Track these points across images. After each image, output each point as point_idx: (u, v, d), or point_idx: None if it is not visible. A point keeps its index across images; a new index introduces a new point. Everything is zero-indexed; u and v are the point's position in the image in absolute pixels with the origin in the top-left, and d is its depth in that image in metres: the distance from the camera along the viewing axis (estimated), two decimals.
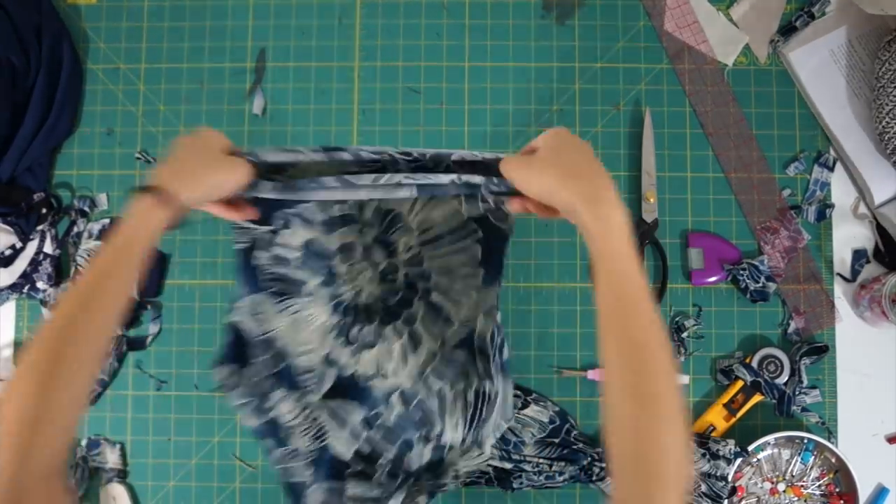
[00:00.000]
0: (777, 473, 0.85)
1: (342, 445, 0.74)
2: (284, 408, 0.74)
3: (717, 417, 0.85)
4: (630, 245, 0.59)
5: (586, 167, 0.62)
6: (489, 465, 0.82)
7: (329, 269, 0.74)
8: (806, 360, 0.85)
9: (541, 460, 0.82)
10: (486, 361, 0.74)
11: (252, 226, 0.73)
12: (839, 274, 0.88)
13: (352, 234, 0.73)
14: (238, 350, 0.74)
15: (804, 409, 0.86)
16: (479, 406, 0.74)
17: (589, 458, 0.82)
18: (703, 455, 0.79)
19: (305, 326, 0.74)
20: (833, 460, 0.84)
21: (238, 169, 0.66)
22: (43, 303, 0.87)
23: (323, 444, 0.74)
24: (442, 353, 0.74)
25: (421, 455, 0.75)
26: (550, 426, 0.84)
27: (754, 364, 0.85)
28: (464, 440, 0.75)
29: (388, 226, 0.73)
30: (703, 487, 0.79)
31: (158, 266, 0.89)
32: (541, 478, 0.82)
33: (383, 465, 0.74)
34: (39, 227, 0.89)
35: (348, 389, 0.74)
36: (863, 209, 0.89)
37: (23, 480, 0.53)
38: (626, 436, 0.55)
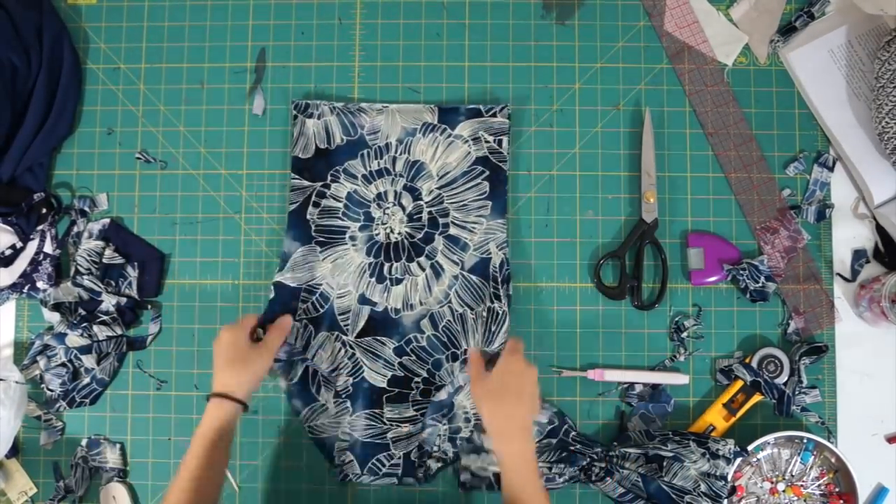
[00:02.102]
0: (777, 473, 0.85)
1: (378, 376, 0.86)
2: (323, 354, 0.86)
3: (717, 417, 0.85)
4: (527, 472, 0.73)
5: (514, 397, 0.75)
6: (491, 469, 0.83)
7: (367, 214, 0.88)
8: (806, 360, 0.85)
9: (540, 462, 0.82)
10: (497, 286, 0.86)
11: (309, 183, 0.88)
12: (839, 274, 0.88)
13: (386, 184, 0.87)
14: (284, 307, 0.86)
15: (804, 409, 0.86)
16: (490, 322, 0.85)
17: (588, 459, 0.82)
18: (703, 455, 0.80)
19: (344, 270, 0.87)
20: (833, 460, 0.84)
21: (268, 356, 0.81)
22: (43, 302, 0.87)
23: (359, 377, 0.86)
24: (461, 278, 0.86)
25: (451, 371, 0.85)
26: (549, 427, 0.84)
27: (754, 364, 0.85)
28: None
29: (415, 174, 0.88)
30: (703, 487, 0.79)
31: (158, 266, 0.89)
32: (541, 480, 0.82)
33: (417, 384, 0.86)
34: (39, 227, 0.89)
35: (380, 324, 0.86)
36: (863, 209, 0.89)
37: None
38: None
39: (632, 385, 0.86)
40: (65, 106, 0.89)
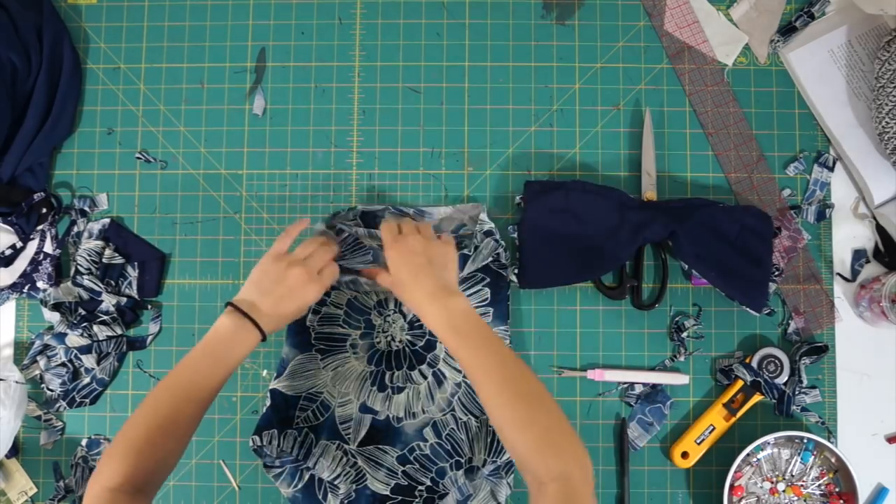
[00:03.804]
0: (777, 473, 0.85)
1: (380, 484, 0.83)
2: (324, 462, 0.82)
3: (717, 417, 0.85)
4: (452, 324, 0.72)
5: (408, 275, 0.75)
6: None
7: (368, 322, 0.87)
8: (806, 360, 0.85)
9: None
10: None
11: None
12: (839, 274, 0.88)
13: (386, 291, 0.86)
14: (280, 414, 0.84)
15: (804, 409, 0.86)
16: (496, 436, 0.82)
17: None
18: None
19: (345, 378, 0.85)
20: (833, 460, 0.84)
21: (319, 287, 0.78)
22: (43, 302, 0.87)
23: (362, 485, 0.83)
24: (463, 385, 0.85)
25: (454, 480, 0.82)
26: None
27: (754, 364, 0.85)
28: (486, 463, 0.83)
29: None
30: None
31: (158, 266, 0.89)
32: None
33: (421, 492, 0.82)
34: (39, 227, 0.89)
35: (382, 433, 0.84)
36: (863, 209, 0.89)
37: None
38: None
39: (632, 385, 0.86)
40: (65, 106, 0.89)
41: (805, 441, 0.84)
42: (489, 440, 0.83)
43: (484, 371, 0.69)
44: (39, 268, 0.88)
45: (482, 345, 0.71)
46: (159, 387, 0.71)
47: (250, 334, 0.74)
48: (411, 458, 0.83)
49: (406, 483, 0.83)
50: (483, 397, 0.69)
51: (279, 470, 0.83)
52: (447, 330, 0.72)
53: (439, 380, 0.85)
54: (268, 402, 0.84)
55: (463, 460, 0.83)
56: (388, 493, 0.82)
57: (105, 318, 0.87)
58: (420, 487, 0.83)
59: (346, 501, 0.82)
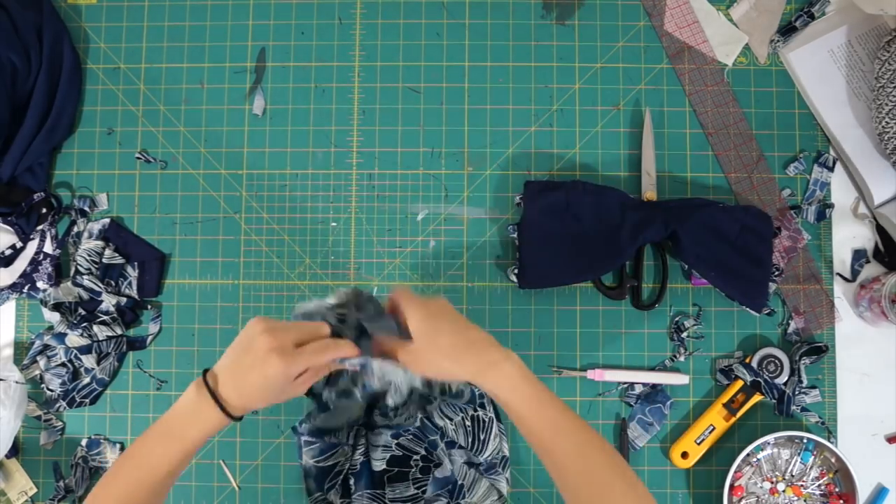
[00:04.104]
0: (777, 473, 0.85)
1: (378, 462, 0.82)
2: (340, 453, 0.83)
3: (717, 417, 0.85)
4: (530, 388, 0.64)
5: (457, 345, 0.66)
6: None
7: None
8: (806, 360, 0.85)
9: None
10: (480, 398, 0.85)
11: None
12: (839, 274, 0.88)
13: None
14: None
15: (804, 409, 0.86)
16: (477, 430, 0.82)
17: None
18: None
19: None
20: (833, 460, 0.84)
21: (301, 388, 0.68)
22: (43, 302, 0.87)
23: (364, 459, 0.82)
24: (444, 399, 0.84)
25: (447, 453, 0.82)
26: None
27: (754, 364, 0.85)
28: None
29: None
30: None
31: (158, 266, 0.89)
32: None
33: (416, 461, 0.82)
34: (39, 227, 0.89)
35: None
36: (863, 209, 0.89)
37: None
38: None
39: (632, 385, 0.86)
40: (65, 106, 0.89)
41: (805, 441, 0.84)
42: (471, 439, 0.82)
43: (560, 431, 0.63)
44: (39, 268, 0.88)
45: (553, 404, 0.64)
46: (116, 464, 0.65)
47: (211, 413, 0.63)
48: (402, 432, 0.82)
49: (401, 454, 0.82)
50: (558, 461, 0.63)
51: (315, 442, 0.82)
52: (525, 392, 0.63)
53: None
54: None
55: (450, 440, 0.83)
56: (384, 465, 0.82)
57: (105, 318, 0.87)
58: (415, 457, 0.82)
59: (350, 474, 0.82)
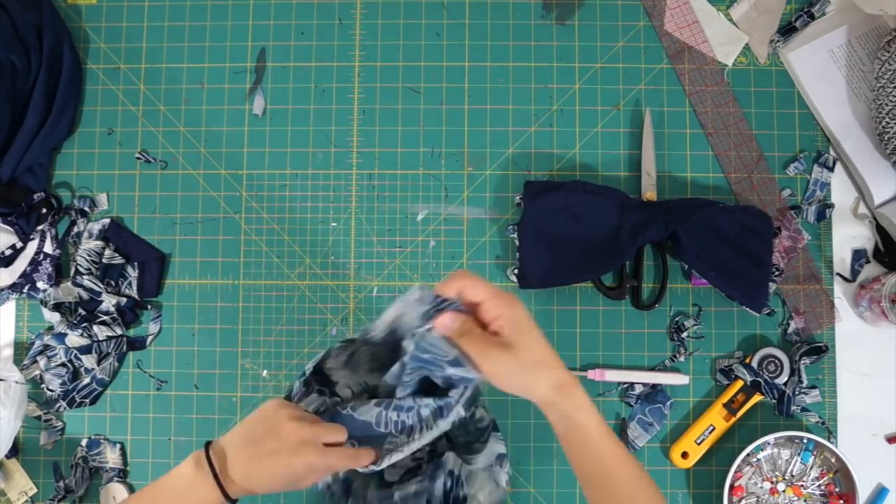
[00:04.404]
0: (777, 473, 0.85)
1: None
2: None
3: (717, 417, 0.85)
4: (603, 422, 0.60)
5: (552, 356, 0.61)
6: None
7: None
8: (806, 360, 0.85)
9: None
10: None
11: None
12: (839, 274, 0.88)
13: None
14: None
15: (804, 409, 0.86)
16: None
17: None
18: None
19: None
20: (833, 460, 0.84)
21: (313, 480, 0.61)
22: (43, 303, 0.87)
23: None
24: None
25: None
26: None
27: (754, 364, 0.85)
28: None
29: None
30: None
31: (158, 266, 0.89)
32: None
33: (420, 457, 0.74)
34: (39, 227, 0.89)
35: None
36: (863, 209, 0.89)
37: None
38: None
39: (632, 385, 0.86)
40: (65, 106, 0.89)
41: (805, 441, 0.84)
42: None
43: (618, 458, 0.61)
44: (39, 268, 0.88)
45: (612, 431, 0.62)
46: None
47: (208, 493, 0.58)
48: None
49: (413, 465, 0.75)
50: (613, 488, 0.61)
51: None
52: (598, 416, 0.60)
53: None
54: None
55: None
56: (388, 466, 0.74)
57: (105, 318, 0.87)
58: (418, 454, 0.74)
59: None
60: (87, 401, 0.87)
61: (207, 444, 0.60)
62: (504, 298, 0.60)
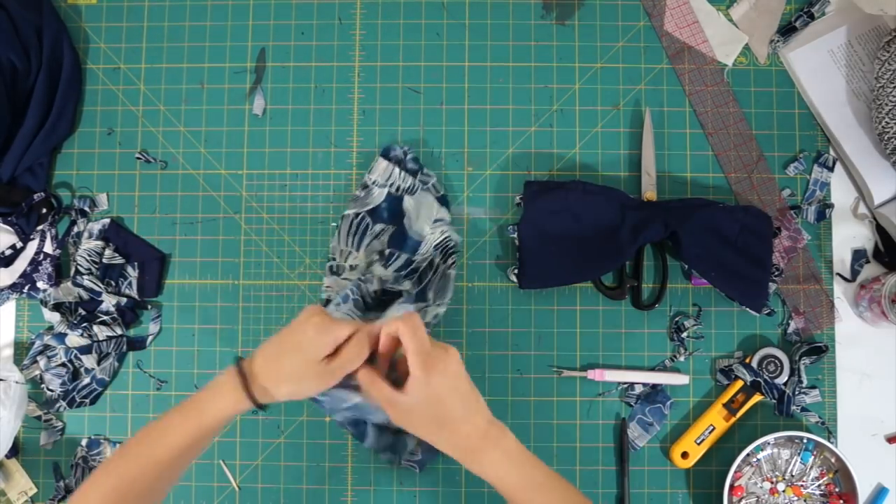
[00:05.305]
0: (777, 473, 0.85)
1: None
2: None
3: (717, 417, 0.85)
4: (522, 467, 0.61)
5: (458, 413, 0.62)
6: None
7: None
8: (806, 360, 0.85)
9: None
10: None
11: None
12: (839, 274, 0.88)
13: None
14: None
15: (804, 409, 0.86)
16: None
17: None
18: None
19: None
20: (833, 460, 0.84)
21: (332, 380, 0.65)
22: (43, 303, 0.87)
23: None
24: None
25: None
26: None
27: (754, 364, 0.85)
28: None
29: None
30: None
31: (158, 266, 0.89)
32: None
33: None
34: (39, 227, 0.89)
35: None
36: (862, 209, 0.89)
37: None
38: None
39: (632, 385, 0.86)
40: (65, 106, 0.89)
41: (805, 441, 0.84)
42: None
43: None
44: (39, 268, 0.88)
45: (549, 485, 0.62)
46: (134, 438, 0.65)
47: (233, 394, 0.64)
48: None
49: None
50: None
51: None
52: (520, 482, 0.61)
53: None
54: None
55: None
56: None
57: (105, 318, 0.87)
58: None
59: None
60: (87, 401, 0.87)
61: (238, 360, 0.66)
62: (418, 355, 0.61)
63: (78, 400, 0.87)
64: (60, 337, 0.86)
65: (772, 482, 0.84)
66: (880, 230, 0.88)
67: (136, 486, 0.62)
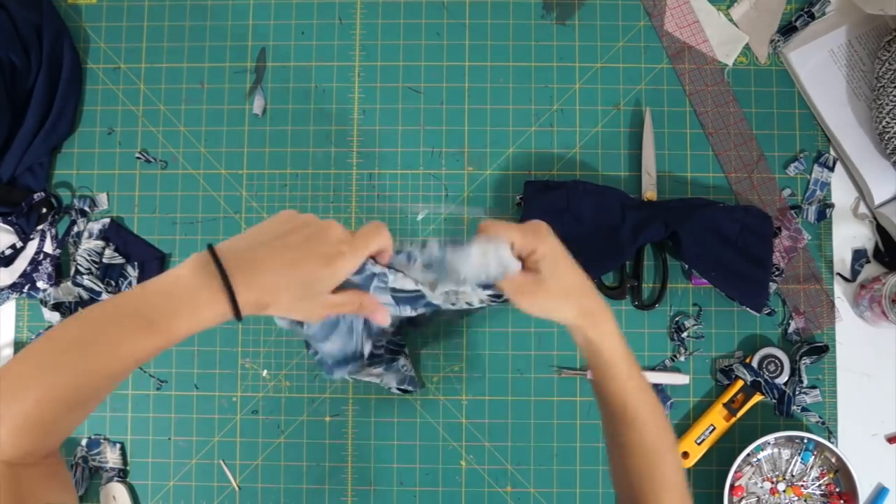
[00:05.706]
0: (777, 473, 0.85)
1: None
2: None
3: (717, 417, 0.85)
4: (627, 351, 0.64)
5: (581, 285, 0.64)
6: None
7: None
8: (806, 360, 0.85)
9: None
10: None
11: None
12: (839, 274, 0.88)
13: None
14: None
15: (804, 409, 0.86)
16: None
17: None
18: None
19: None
20: (833, 460, 0.84)
21: (332, 307, 0.56)
22: (43, 302, 0.87)
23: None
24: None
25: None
26: None
27: (754, 364, 0.85)
28: None
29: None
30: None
31: (158, 266, 0.89)
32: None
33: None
34: (39, 227, 0.89)
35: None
36: (863, 209, 0.89)
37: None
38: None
39: None
40: (65, 106, 0.89)
41: (805, 441, 0.84)
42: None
43: (647, 398, 0.64)
44: (39, 268, 0.88)
45: (635, 361, 0.65)
46: (59, 341, 0.49)
47: (214, 302, 0.49)
48: None
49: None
50: (630, 415, 0.63)
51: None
52: (627, 353, 0.64)
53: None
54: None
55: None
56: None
57: None
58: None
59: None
60: None
61: (210, 246, 0.51)
62: (533, 234, 0.63)
63: None
64: None
65: (772, 482, 0.84)
66: (880, 230, 0.88)
67: (82, 397, 0.49)
